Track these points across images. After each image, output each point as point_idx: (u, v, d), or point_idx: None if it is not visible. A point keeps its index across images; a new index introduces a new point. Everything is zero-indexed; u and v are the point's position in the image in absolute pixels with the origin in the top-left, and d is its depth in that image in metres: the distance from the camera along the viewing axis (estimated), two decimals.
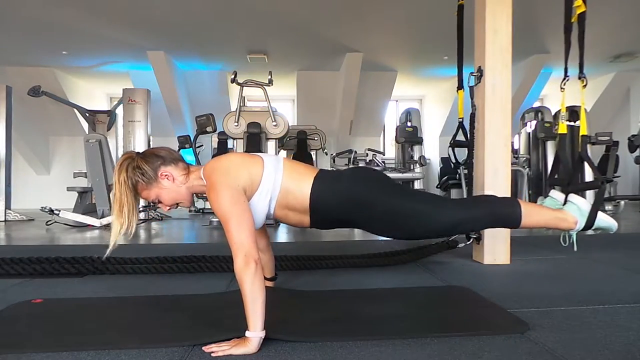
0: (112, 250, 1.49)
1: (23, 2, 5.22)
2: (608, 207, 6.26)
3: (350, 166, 5.33)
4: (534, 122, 6.42)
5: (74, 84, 8.50)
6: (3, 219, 5.87)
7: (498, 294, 1.88)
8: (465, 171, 3.01)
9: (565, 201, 1.81)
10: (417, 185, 5.31)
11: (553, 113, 6.73)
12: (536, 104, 8.69)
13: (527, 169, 6.15)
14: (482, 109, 2.65)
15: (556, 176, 2.14)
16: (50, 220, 4.97)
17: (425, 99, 10.08)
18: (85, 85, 8.81)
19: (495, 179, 2.60)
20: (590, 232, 1.84)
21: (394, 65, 7.95)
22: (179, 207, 1.62)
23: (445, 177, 8.07)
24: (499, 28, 2.63)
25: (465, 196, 3.90)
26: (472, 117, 2.72)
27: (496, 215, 1.66)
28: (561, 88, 2.24)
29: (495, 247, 2.64)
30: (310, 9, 5.55)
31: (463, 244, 2.72)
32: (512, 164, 2.65)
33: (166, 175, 1.54)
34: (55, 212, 4.84)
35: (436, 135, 9.52)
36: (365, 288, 2.08)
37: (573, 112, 6.21)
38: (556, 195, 1.88)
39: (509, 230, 2.60)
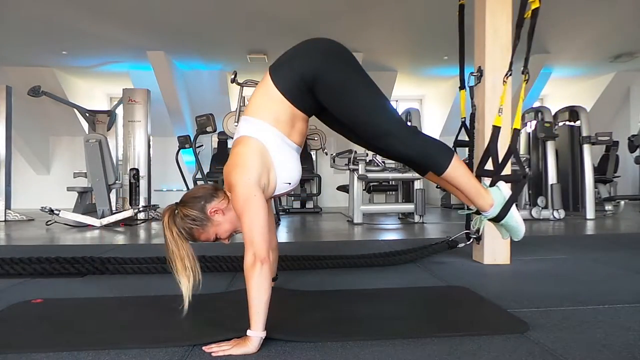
0: (188, 305, 1.44)
1: (23, 2, 5.22)
2: (608, 207, 6.26)
3: (350, 166, 5.33)
4: (534, 122, 6.42)
5: (74, 84, 8.50)
6: (3, 219, 5.87)
7: (498, 294, 1.88)
8: None
9: (493, 186, 1.77)
10: (417, 185, 5.31)
11: (553, 113, 6.73)
12: (536, 104, 8.68)
13: (527, 169, 6.15)
14: (482, 109, 2.65)
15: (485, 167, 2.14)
16: (50, 220, 4.97)
17: (425, 99, 10.08)
18: (85, 85, 8.81)
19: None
20: (502, 233, 1.78)
21: (394, 65, 7.95)
22: (236, 234, 1.59)
23: None
24: (499, 28, 2.63)
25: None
26: (472, 117, 2.72)
27: (427, 150, 1.60)
28: (503, 81, 2.25)
29: (495, 247, 2.64)
30: (310, 9, 5.55)
31: (463, 244, 2.72)
32: (512, 164, 2.64)
33: (215, 211, 1.52)
34: (55, 212, 4.84)
35: (436, 135, 9.52)
36: (365, 288, 2.08)
37: (573, 112, 6.22)
38: (487, 181, 1.85)
39: None
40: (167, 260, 1.46)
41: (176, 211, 1.50)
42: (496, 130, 2.04)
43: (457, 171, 1.62)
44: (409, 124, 8.38)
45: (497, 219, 1.72)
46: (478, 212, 1.76)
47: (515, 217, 1.72)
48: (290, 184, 1.62)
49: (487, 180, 1.87)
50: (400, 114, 9.39)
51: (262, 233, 1.38)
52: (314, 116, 1.73)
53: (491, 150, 2.00)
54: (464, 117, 2.90)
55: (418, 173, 1.95)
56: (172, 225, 1.46)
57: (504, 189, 1.73)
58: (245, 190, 1.43)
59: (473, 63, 2.77)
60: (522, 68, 2.08)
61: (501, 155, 2.01)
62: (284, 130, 1.56)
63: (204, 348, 1.30)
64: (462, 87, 2.94)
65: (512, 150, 2.02)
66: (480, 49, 2.68)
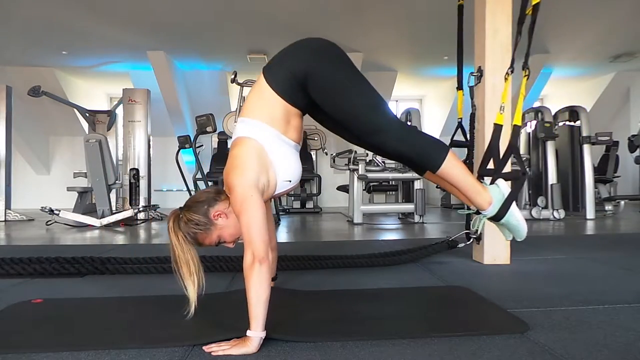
0: (193, 310, 1.45)
1: (23, 2, 5.22)
2: (608, 207, 6.26)
3: (350, 166, 5.33)
4: (534, 122, 6.42)
5: (74, 84, 8.50)
6: (3, 219, 5.87)
7: (498, 294, 1.88)
8: None
9: (492, 183, 1.76)
10: (418, 184, 5.31)
11: (553, 113, 6.73)
12: (536, 104, 8.68)
13: (527, 169, 6.15)
14: (482, 109, 2.65)
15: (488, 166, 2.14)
16: (50, 220, 4.98)
17: (425, 99, 10.08)
18: (85, 85, 8.81)
19: None
20: (505, 233, 1.77)
21: (394, 65, 7.95)
22: (240, 239, 1.59)
23: None
24: (499, 28, 2.63)
25: None
26: (472, 117, 2.72)
27: (419, 147, 1.60)
28: (505, 78, 2.25)
29: (495, 247, 2.64)
30: (310, 9, 5.55)
31: (463, 244, 2.72)
32: (512, 164, 2.64)
33: (218, 214, 1.53)
34: (55, 212, 4.84)
35: (436, 135, 9.52)
36: (365, 288, 2.08)
37: (573, 112, 6.22)
38: (487, 180, 1.83)
39: None
40: (173, 264, 1.47)
41: (180, 216, 1.51)
42: (498, 128, 2.04)
43: (452, 168, 1.61)
44: (409, 124, 8.39)
45: (496, 218, 1.70)
46: (478, 212, 1.75)
47: (516, 215, 1.70)
48: (290, 181, 1.62)
49: (489, 180, 1.86)
50: (400, 114, 9.39)
51: (260, 233, 1.38)
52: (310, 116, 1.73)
53: (493, 148, 2.00)
54: (461, 118, 2.91)
55: (416, 172, 1.95)
56: (177, 230, 1.47)
57: (503, 187, 1.71)
58: (243, 191, 1.43)
59: (473, 63, 2.76)
60: (522, 64, 2.09)
61: (502, 153, 2.01)
62: (280, 127, 1.56)
63: (204, 348, 1.30)
64: (459, 87, 2.95)
65: (513, 147, 2.01)
66: (480, 49, 2.68)
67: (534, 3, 2.07)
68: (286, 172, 1.59)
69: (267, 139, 1.54)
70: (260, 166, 1.50)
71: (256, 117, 1.55)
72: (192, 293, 1.45)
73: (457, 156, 1.65)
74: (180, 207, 1.55)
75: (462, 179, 1.64)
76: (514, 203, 1.71)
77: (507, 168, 2.33)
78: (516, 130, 2.06)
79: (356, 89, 1.56)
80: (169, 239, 1.48)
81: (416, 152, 1.61)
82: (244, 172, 1.47)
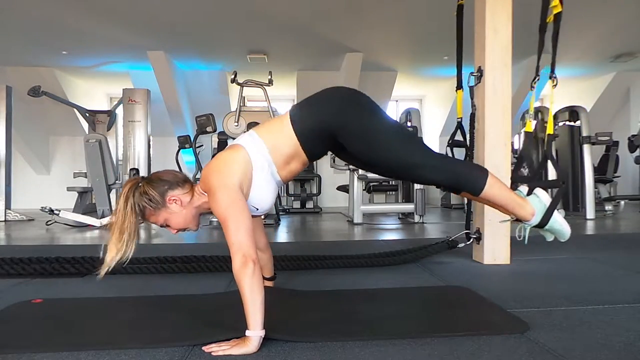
0: (105, 273, 1.45)
1: (23, 2, 5.22)
2: (608, 207, 6.26)
3: (350, 166, 5.33)
4: (534, 122, 6.42)
5: (74, 84, 8.50)
6: (3, 219, 5.87)
7: (498, 294, 1.88)
8: None
9: (530, 193, 1.79)
10: (417, 185, 5.31)
11: (553, 113, 6.73)
12: (536, 104, 8.69)
13: (527, 169, 6.14)
14: (482, 109, 2.65)
15: (520, 173, 2.15)
16: (50, 220, 4.97)
17: (425, 99, 10.08)
18: (85, 85, 8.81)
19: None
20: (547, 235, 1.80)
21: (394, 65, 7.95)
22: (186, 231, 1.61)
23: None
24: (499, 28, 2.63)
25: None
26: (472, 117, 2.72)
27: (461, 174, 1.62)
28: (531, 87, 2.26)
29: (495, 247, 2.64)
30: (310, 9, 5.55)
31: (463, 244, 2.72)
32: (512, 164, 2.64)
33: (174, 199, 1.54)
34: (55, 212, 4.84)
35: (436, 135, 9.53)
36: (365, 288, 2.08)
37: (573, 112, 6.22)
38: (523, 189, 1.85)
39: (509, 230, 2.60)
40: (108, 225, 1.50)
41: (140, 185, 1.52)
42: (528, 135, 2.04)
43: (493, 189, 1.63)
44: (408, 124, 8.41)
45: (540, 225, 1.74)
46: (518, 220, 1.77)
47: (559, 220, 1.75)
48: (257, 209, 1.62)
49: (524, 188, 1.86)
50: (400, 114, 9.39)
51: (249, 235, 1.38)
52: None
53: (525, 156, 2.00)
54: (460, 118, 2.91)
55: (453, 193, 1.95)
56: (130, 197, 1.49)
57: (543, 196, 1.74)
58: (227, 195, 1.43)
59: (473, 63, 2.76)
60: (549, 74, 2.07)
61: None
62: (278, 163, 1.57)
63: (203, 348, 1.30)
64: (458, 87, 2.95)
65: (548, 155, 2.01)
66: (480, 49, 2.68)
67: (555, 12, 2.07)
68: (258, 199, 1.58)
69: (260, 163, 1.54)
70: (243, 175, 1.51)
71: (264, 139, 1.56)
72: (109, 259, 1.44)
73: (495, 176, 1.67)
74: (142, 177, 1.57)
75: (503, 197, 1.67)
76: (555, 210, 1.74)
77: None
78: (550, 139, 2.06)
79: (389, 133, 1.58)
80: (117, 202, 1.49)
81: (457, 179, 1.63)
82: (228, 176, 1.47)
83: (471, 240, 2.68)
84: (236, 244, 1.36)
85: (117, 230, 1.46)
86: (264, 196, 1.58)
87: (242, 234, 1.37)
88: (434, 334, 1.41)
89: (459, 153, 2.91)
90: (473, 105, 2.72)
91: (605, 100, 8.86)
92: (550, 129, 2.07)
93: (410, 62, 7.81)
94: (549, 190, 1.91)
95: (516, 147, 7.06)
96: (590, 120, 6.08)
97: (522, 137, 2.04)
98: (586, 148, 5.88)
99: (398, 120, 8.90)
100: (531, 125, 2.07)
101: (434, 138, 9.54)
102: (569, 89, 9.05)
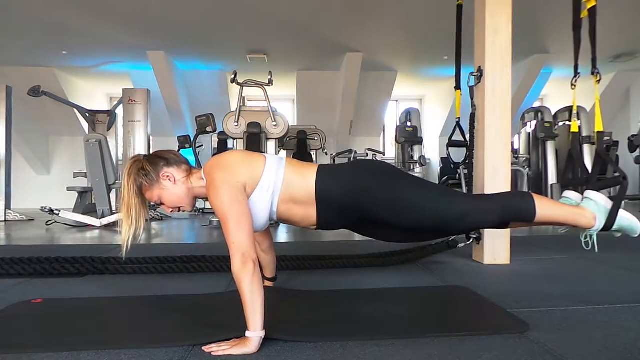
0: (126, 251, 1.47)
1: (23, 2, 5.22)
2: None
3: None
4: (534, 122, 6.42)
5: (74, 84, 8.50)
6: (3, 219, 5.87)
7: (498, 294, 1.88)
8: (465, 171, 3.01)
9: (582, 199, 1.70)
10: None
11: (553, 113, 6.73)
12: (536, 104, 8.69)
13: (527, 169, 6.15)
14: (482, 109, 2.65)
15: (571, 176, 2.09)
16: (50, 220, 4.97)
17: (425, 99, 10.08)
18: (85, 85, 8.81)
19: (495, 179, 2.60)
20: (615, 234, 1.71)
21: (394, 65, 7.95)
22: (180, 210, 1.62)
23: (445, 177, 8.07)
24: (499, 28, 2.63)
25: None
26: (472, 117, 2.72)
27: (508, 207, 1.58)
28: (572, 85, 2.22)
29: (495, 247, 2.64)
30: (310, 9, 5.55)
31: (463, 244, 2.72)
32: (512, 164, 2.64)
33: (167, 176, 1.54)
34: (55, 212, 4.84)
35: (436, 135, 9.52)
36: (365, 288, 2.08)
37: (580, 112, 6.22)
38: (570, 194, 1.78)
39: (508, 230, 2.60)
40: (118, 203, 1.53)
41: (141, 160, 1.55)
42: (576, 136, 2.00)
43: (546, 209, 1.58)
44: (408, 124, 8.39)
45: (606, 228, 1.65)
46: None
47: (626, 217, 1.66)
48: None
49: (572, 194, 1.78)
50: (400, 114, 9.37)
51: (249, 235, 1.37)
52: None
53: (575, 156, 1.95)
54: (459, 117, 2.91)
55: (501, 229, 1.90)
56: (132, 173, 1.52)
57: (597, 198, 1.66)
58: (230, 194, 1.41)
59: (473, 63, 2.76)
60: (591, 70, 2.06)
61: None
62: (283, 195, 1.53)
63: (204, 348, 1.30)
64: (457, 87, 2.95)
65: (602, 155, 1.96)
66: (480, 49, 2.68)
67: (589, 7, 2.05)
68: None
69: (267, 182, 1.51)
70: (249, 180, 1.49)
71: (287, 170, 1.54)
72: (124, 236, 1.47)
73: (539, 195, 1.62)
74: (145, 155, 1.60)
75: (558, 213, 1.61)
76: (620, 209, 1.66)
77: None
78: (600, 137, 2.02)
79: (422, 196, 1.54)
80: (122, 178, 1.53)
81: (507, 213, 1.59)
82: (235, 175, 1.46)
83: (471, 240, 2.68)
84: (236, 243, 1.35)
85: (125, 207, 1.49)
86: (256, 217, 1.51)
87: (242, 234, 1.36)
88: (434, 334, 1.41)
89: (459, 153, 2.92)
90: (473, 105, 2.72)
91: (605, 100, 8.85)
92: (599, 126, 2.01)
93: (410, 62, 7.81)
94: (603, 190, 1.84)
95: (516, 147, 7.07)
96: (590, 120, 6.09)
97: (570, 138, 1.98)
98: (586, 148, 5.88)
99: (399, 122, 8.91)
100: (577, 125, 2.02)
101: (434, 138, 9.54)
102: (569, 89, 9.05)
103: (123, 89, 6.59)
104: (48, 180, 8.89)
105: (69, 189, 5.75)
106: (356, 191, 1.53)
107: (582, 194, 1.72)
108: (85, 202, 5.80)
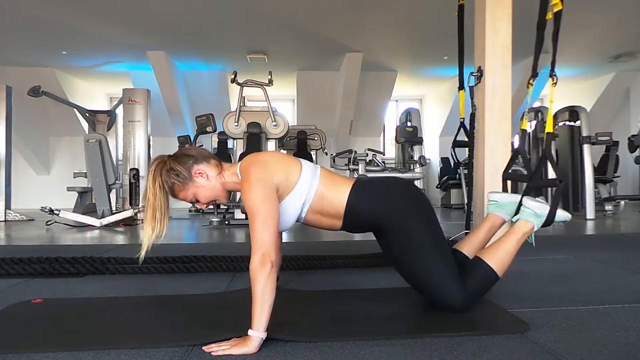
0: (146, 253, 1.49)
1: (23, 2, 5.22)
2: (608, 207, 6.26)
3: (350, 166, 5.33)
4: (533, 122, 6.42)
5: (74, 84, 8.50)
6: (3, 219, 5.87)
7: (498, 294, 1.88)
8: (465, 171, 3.01)
9: (518, 209, 1.80)
10: (418, 184, 5.31)
11: (553, 113, 6.72)
12: (536, 104, 8.68)
13: (524, 167, 6.14)
14: (482, 109, 2.65)
15: (510, 171, 2.16)
16: (50, 220, 4.97)
17: (425, 99, 10.08)
18: (85, 85, 8.81)
19: (495, 179, 2.60)
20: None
21: (394, 65, 7.95)
22: (216, 202, 1.63)
23: (445, 177, 8.08)
24: (499, 28, 2.63)
25: (465, 196, 3.88)
26: (472, 117, 2.72)
27: (479, 289, 1.67)
28: (528, 84, 2.27)
29: None
30: (311, 9, 5.55)
31: None
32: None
33: (200, 173, 1.55)
34: (55, 212, 4.84)
35: (436, 135, 9.52)
36: (365, 288, 2.08)
37: (573, 112, 6.22)
38: (495, 197, 1.89)
39: None
40: (142, 203, 1.52)
41: (166, 162, 1.53)
42: (524, 133, 2.05)
43: (503, 263, 1.68)
44: (408, 124, 8.40)
45: (545, 226, 1.78)
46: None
47: (559, 214, 1.78)
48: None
49: (494, 195, 1.87)
50: (400, 114, 9.37)
51: (273, 236, 1.40)
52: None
53: (522, 153, 1.99)
54: (463, 118, 2.91)
55: None
56: (158, 176, 1.50)
57: (533, 205, 1.75)
58: (264, 191, 1.44)
59: (473, 63, 2.76)
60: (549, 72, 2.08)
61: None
62: (314, 205, 1.59)
63: (204, 348, 1.30)
64: (461, 87, 2.95)
65: (547, 154, 2.01)
66: (480, 49, 2.68)
67: (555, 10, 2.06)
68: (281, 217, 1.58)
69: (300, 190, 1.55)
70: (284, 181, 1.52)
71: (321, 181, 1.58)
72: (147, 238, 1.48)
73: (488, 252, 1.70)
74: (168, 155, 1.57)
75: (511, 253, 1.71)
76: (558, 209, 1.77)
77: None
78: (549, 137, 2.06)
79: (434, 266, 1.60)
80: (147, 180, 1.51)
81: (482, 292, 1.69)
82: (272, 175, 1.49)
83: None
84: (259, 241, 1.37)
85: (150, 209, 1.48)
86: (285, 217, 1.57)
87: (267, 234, 1.38)
88: (434, 334, 1.41)
89: (464, 153, 2.92)
90: (473, 105, 2.72)
91: (605, 100, 8.86)
92: (549, 128, 2.06)
93: (410, 62, 7.81)
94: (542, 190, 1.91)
95: (516, 147, 7.06)
96: (590, 120, 6.08)
97: (521, 133, 2.03)
98: (586, 148, 5.87)
99: (399, 122, 8.91)
100: (527, 123, 2.07)
101: (433, 138, 9.54)
102: (569, 89, 9.05)
103: (123, 89, 6.59)
104: (48, 180, 8.88)
105: (69, 189, 5.75)
106: (383, 219, 1.61)
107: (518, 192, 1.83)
108: (85, 202, 5.80)
